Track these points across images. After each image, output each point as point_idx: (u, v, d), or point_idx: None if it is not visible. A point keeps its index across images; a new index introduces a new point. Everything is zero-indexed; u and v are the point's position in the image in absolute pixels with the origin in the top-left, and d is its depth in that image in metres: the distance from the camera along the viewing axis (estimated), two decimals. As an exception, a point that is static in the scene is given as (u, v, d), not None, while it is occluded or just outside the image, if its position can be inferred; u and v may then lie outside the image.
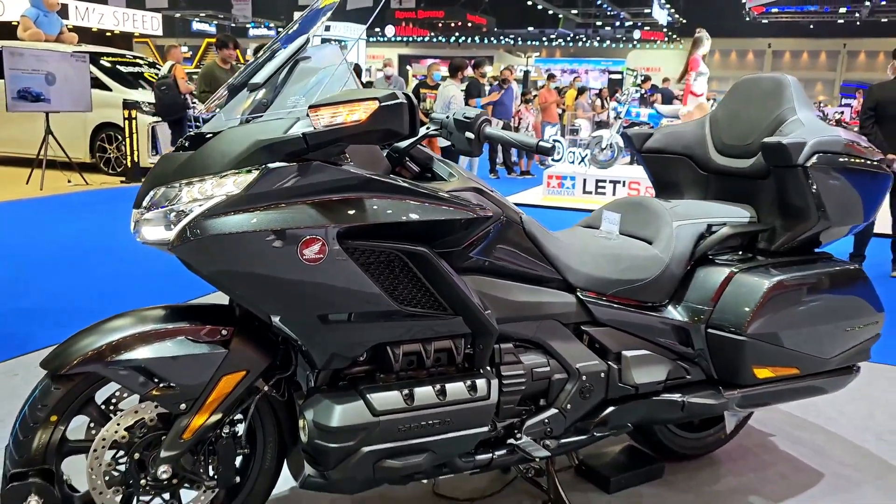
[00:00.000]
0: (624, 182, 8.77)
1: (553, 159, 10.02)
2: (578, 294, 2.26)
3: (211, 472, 1.99)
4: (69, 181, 9.22)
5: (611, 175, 9.04)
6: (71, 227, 6.78)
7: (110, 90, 10.28)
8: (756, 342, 2.30)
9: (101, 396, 1.93)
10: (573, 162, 9.57)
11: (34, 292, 4.86)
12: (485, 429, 2.04)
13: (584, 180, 9.14)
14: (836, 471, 2.78)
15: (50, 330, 3.76)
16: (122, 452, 1.93)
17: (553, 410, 2.24)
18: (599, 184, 8.99)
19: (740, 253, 2.48)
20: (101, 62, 10.71)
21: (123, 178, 9.84)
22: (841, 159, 2.39)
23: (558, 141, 10.16)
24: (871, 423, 3.23)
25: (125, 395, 1.94)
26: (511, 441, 2.17)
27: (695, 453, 2.78)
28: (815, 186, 2.33)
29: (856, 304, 2.49)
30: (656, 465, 2.67)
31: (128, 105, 9.64)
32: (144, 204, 1.85)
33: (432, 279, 1.92)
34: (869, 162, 2.48)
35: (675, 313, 2.39)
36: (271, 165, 1.76)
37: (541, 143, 1.94)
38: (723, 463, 2.80)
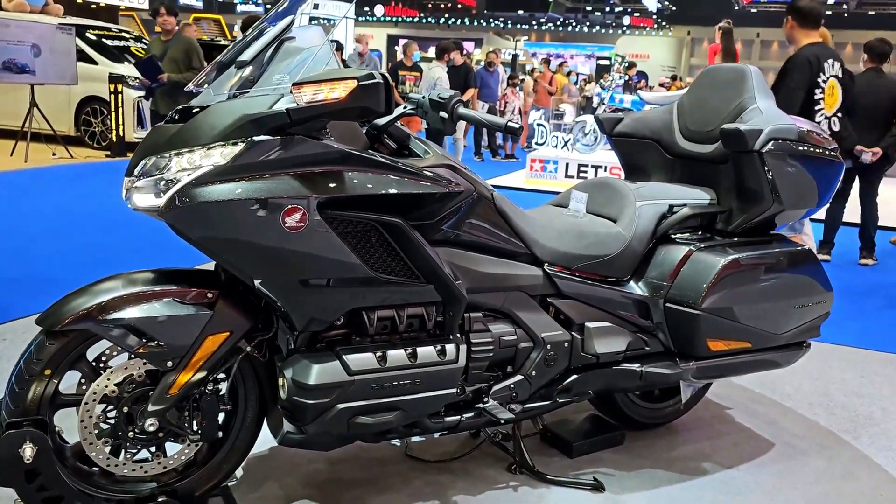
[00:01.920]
0: (605, 167, 8.93)
1: (536, 143, 10.15)
2: (545, 268, 2.40)
3: (195, 427, 2.11)
4: (54, 154, 9.23)
5: (593, 160, 9.19)
6: (55, 199, 6.85)
7: (96, 63, 10.27)
8: (710, 316, 2.45)
9: (92, 354, 2.05)
10: (556, 146, 9.70)
11: (19, 261, 4.95)
12: (453, 391, 2.18)
13: (567, 164, 9.28)
14: (787, 440, 2.95)
15: (35, 298, 3.85)
16: (111, 406, 2.05)
17: (519, 377, 2.38)
18: (581, 168, 9.14)
19: (699, 233, 2.63)
20: (87, 35, 10.69)
21: (108, 153, 9.87)
22: (796, 146, 2.53)
23: (541, 125, 10.28)
24: (825, 399, 3.40)
25: (115, 352, 2.07)
26: (478, 405, 2.31)
27: (654, 423, 2.94)
28: (770, 172, 2.48)
29: (806, 283, 2.65)
30: (617, 433, 2.82)
31: (113, 79, 9.65)
32: (136, 172, 1.96)
33: (406, 249, 2.05)
34: (823, 150, 2.63)
35: (636, 288, 2.53)
36: (256, 138, 1.88)
37: (509, 124, 2.07)
38: (680, 432, 2.96)
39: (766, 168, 2.48)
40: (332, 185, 1.91)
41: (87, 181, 7.98)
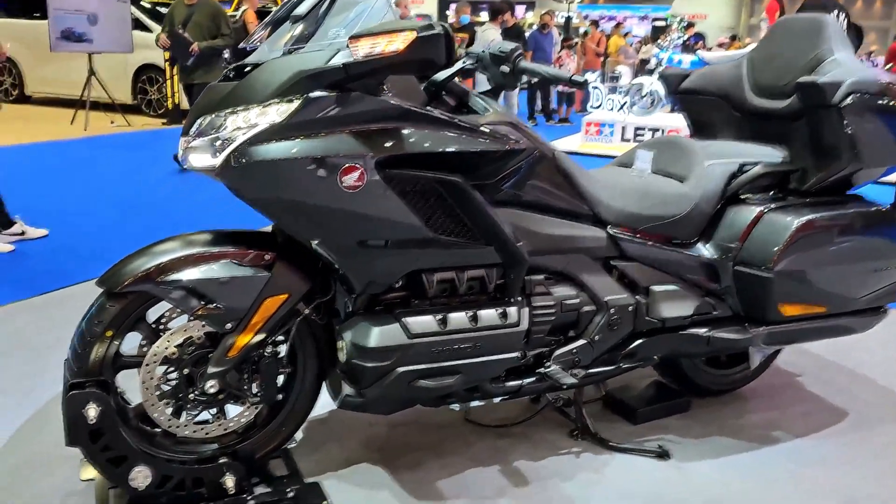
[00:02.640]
0: (663, 130, 8.68)
1: (592, 106, 9.93)
2: (609, 229, 2.31)
3: (255, 389, 2.11)
4: (112, 122, 9.38)
5: (650, 122, 8.95)
6: (114, 166, 6.95)
7: (150, 31, 10.36)
8: (783, 280, 2.34)
9: (152, 315, 2.05)
10: (612, 109, 9.47)
11: (79, 228, 5.04)
12: (514, 354, 2.13)
13: (623, 128, 9.06)
14: (860, 409, 2.82)
15: (95, 263, 3.91)
16: (172, 368, 2.05)
17: (582, 341, 2.31)
18: (638, 131, 8.91)
19: (771, 193, 2.50)
20: (142, 3, 10.79)
21: (165, 120, 10.00)
22: (878, 100, 2.38)
23: (596, 87, 10.04)
24: (900, 367, 3.25)
25: (175, 314, 2.06)
26: (540, 370, 2.26)
27: (721, 389, 2.84)
28: (849, 127, 2.33)
29: (886, 245, 2.51)
30: (682, 399, 2.74)
31: (168, 47, 9.71)
32: (191, 132, 1.93)
33: (466, 209, 1.99)
34: (907, 103, 2.46)
35: (703, 250, 2.43)
36: (312, 95, 1.83)
37: (574, 77, 1.98)
38: (748, 399, 2.86)
39: (844, 123, 2.33)
40: (390, 142, 1.85)
41: (144, 149, 8.10)
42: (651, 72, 10.99)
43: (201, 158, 1.89)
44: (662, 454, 2.43)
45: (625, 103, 9.32)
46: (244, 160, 1.80)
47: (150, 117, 10.34)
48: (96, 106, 9.43)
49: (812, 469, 2.42)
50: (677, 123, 8.48)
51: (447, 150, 1.90)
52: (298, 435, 2.35)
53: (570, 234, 2.25)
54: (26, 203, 5.04)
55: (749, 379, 2.89)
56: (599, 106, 9.78)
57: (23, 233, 4.72)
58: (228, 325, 1.99)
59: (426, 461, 2.38)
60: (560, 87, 12.42)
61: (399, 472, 2.32)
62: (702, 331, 2.42)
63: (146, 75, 10.39)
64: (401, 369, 1.98)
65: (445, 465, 2.36)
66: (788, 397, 2.91)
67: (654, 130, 8.80)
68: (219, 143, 1.86)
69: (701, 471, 2.38)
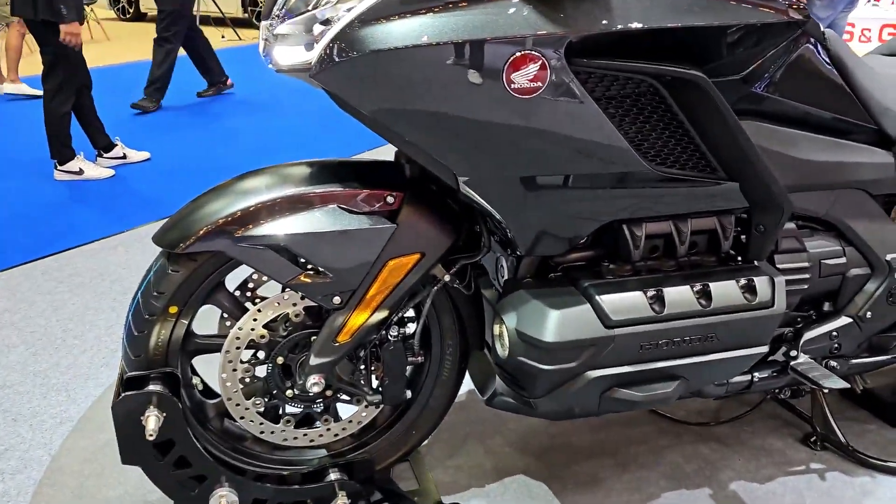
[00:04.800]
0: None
1: None
2: (899, 151, 1.52)
3: (374, 385, 1.50)
4: (223, 37, 9.02)
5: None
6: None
7: (259, -60, 9.83)
8: None
9: (234, 281, 1.45)
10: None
11: (183, 151, 4.60)
12: (763, 349, 1.41)
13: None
14: None
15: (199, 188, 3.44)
16: (262, 354, 1.47)
17: (844, 319, 1.58)
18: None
19: None
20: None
21: (276, 34, 9.53)
22: None
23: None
24: None
25: (264, 278, 1.46)
26: (783, 360, 1.54)
27: None
28: None
29: None
30: (964, 392, 1.95)
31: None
32: (275, 11, 1.27)
33: (704, 123, 1.25)
34: None
35: None
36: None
37: None
38: None
39: None
40: (591, 14, 1.12)
41: (255, 63, 7.63)
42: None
43: (291, 53, 1.23)
44: (954, 481, 1.68)
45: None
46: (353, 50, 1.12)
47: (261, 31, 9.90)
48: (207, 21, 9.05)
49: None
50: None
51: (686, 23, 1.16)
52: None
53: (839, 161, 1.48)
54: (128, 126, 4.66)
55: None
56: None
57: (124, 156, 4.33)
58: (337, 299, 1.37)
59: (604, 474, 1.73)
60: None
61: (569, 491, 1.69)
62: None
63: (257, -13, 9.92)
64: (593, 374, 1.30)
65: (632, 483, 1.71)
66: None
67: None
68: (315, 25, 1.19)
69: None
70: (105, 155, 4.27)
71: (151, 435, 1.35)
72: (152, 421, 1.36)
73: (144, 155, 4.42)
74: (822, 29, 1.41)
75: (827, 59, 1.42)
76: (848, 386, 1.52)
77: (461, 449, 1.83)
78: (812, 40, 1.39)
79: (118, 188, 3.94)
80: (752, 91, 1.34)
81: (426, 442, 1.74)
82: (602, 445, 1.83)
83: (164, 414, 1.38)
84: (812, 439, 1.82)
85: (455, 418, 1.92)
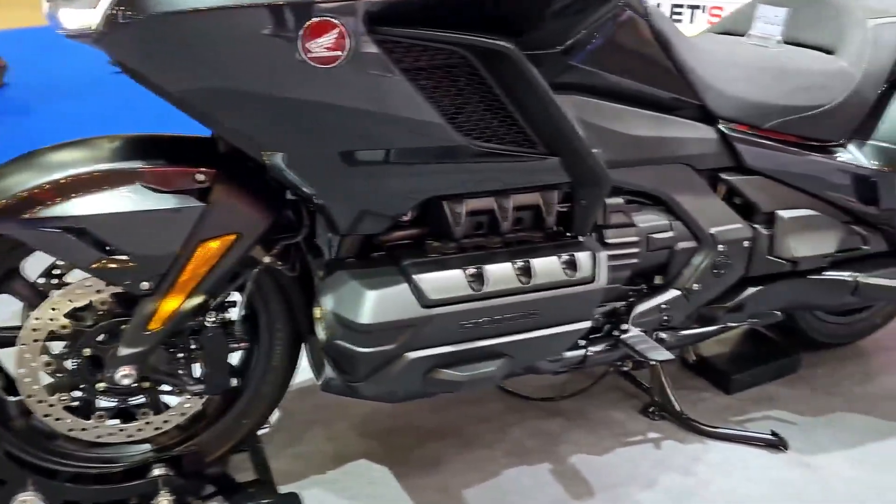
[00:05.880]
0: (703, 7, 7.66)
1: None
2: (721, 126, 1.55)
3: (196, 374, 1.42)
4: None
5: None
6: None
7: None
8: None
9: (37, 268, 1.33)
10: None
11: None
12: (586, 325, 1.41)
13: (658, 3, 8.03)
14: None
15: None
16: (65, 346, 1.35)
17: (673, 292, 1.61)
18: (675, 9, 7.87)
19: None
20: None
21: None
22: None
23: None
24: None
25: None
26: (615, 333, 1.56)
27: (838, 342, 2.14)
28: None
29: None
30: (790, 358, 2.04)
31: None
32: (57, -31, 1.15)
33: (518, 96, 1.23)
34: None
35: (857, 156, 1.66)
36: None
37: None
38: (872, 355, 2.16)
39: None
40: (390, -22, 1.07)
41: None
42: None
43: (75, 15, 1.11)
44: (777, 444, 1.75)
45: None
46: (138, 10, 1.03)
47: None
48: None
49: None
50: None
51: None
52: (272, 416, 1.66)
53: (663, 136, 1.50)
54: None
55: (877, 326, 2.17)
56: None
57: None
58: (145, 285, 1.27)
59: (447, 455, 1.71)
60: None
61: (410, 475, 1.66)
62: (845, 275, 1.69)
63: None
64: (412, 356, 1.27)
65: (474, 463, 1.69)
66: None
67: (694, 7, 7.78)
68: (99, -16, 1.08)
69: (834, 467, 1.70)
70: None
71: (-67, 440, 1.22)
72: (-65, 425, 1.23)
73: None
74: (644, 4, 1.41)
75: (650, 35, 1.43)
76: (673, 358, 1.55)
77: (304, 436, 1.77)
78: (635, 15, 1.39)
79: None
80: (574, 64, 1.33)
81: (268, 430, 1.67)
82: (448, 425, 1.81)
83: (-49, 417, 1.25)
84: (650, 409, 1.86)
85: (300, 405, 1.86)
